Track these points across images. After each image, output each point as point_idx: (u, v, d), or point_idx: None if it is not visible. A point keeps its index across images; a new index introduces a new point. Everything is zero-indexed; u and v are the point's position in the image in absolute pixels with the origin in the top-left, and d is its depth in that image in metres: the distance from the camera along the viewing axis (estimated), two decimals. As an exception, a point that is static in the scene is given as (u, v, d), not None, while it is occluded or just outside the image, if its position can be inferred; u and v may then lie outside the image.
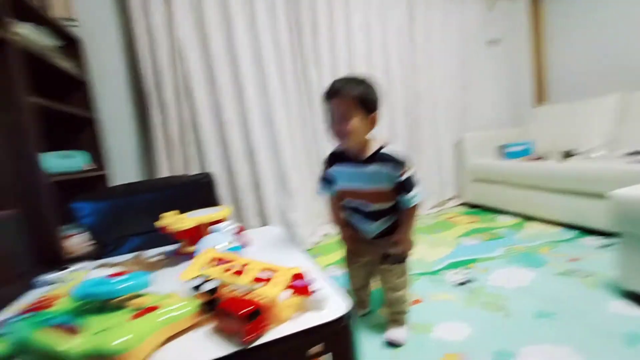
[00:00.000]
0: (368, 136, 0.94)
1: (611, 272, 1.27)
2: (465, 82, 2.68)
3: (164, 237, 0.90)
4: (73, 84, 1.61)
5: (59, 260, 1.14)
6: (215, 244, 0.70)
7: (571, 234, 1.80)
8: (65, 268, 0.83)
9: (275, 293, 0.49)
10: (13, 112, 1.00)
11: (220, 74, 1.90)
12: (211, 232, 0.80)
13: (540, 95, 2.92)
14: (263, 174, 1.99)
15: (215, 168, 1.92)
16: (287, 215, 2.03)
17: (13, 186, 1.03)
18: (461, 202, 2.71)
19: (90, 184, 1.58)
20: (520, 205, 2.17)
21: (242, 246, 0.78)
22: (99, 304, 0.53)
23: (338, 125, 0.90)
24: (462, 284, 1.36)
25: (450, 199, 2.69)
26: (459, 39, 2.62)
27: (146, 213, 1.05)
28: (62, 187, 1.31)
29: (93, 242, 1.13)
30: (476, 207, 2.57)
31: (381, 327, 1.09)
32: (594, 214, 1.71)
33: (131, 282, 0.51)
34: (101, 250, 1.10)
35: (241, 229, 0.91)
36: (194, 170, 1.91)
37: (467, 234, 1.98)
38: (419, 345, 1.01)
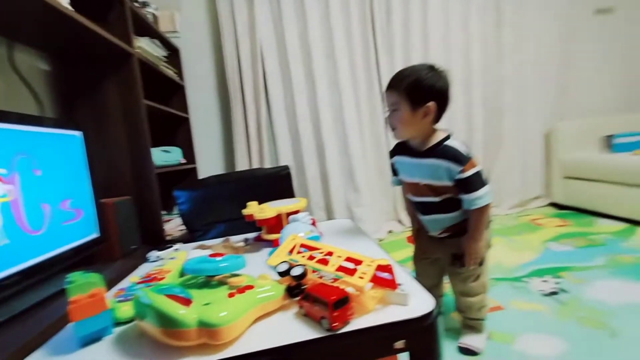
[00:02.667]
0: (429, 129, 0.89)
1: None
2: (564, 61, 2.31)
3: (245, 224, 0.99)
4: (173, 88, 1.86)
5: (161, 241, 1.33)
6: (297, 232, 0.75)
7: (702, 245, 1.46)
8: (170, 247, 0.97)
9: (363, 283, 0.50)
10: (133, 114, 1.20)
11: (294, 71, 1.99)
12: (291, 221, 0.85)
13: (662, 76, 2.40)
14: (331, 168, 2.04)
15: (286, 161, 2.03)
16: (352, 209, 2.05)
17: (129, 175, 1.24)
18: (548, 202, 2.40)
19: (183, 176, 1.81)
20: (629, 209, 1.83)
21: (320, 236, 0.81)
22: (203, 280, 0.61)
23: (390, 117, 0.90)
24: (551, 293, 1.21)
25: (535, 198, 2.40)
26: (559, 8, 2.25)
27: (232, 202, 1.17)
28: (161, 179, 1.53)
29: (186, 226, 1.29)
30: (567, 209, 2.25)
31: (454, 332, 1.03)
32: None
33: (231, 262, 0.58)
34: (192, 235, 1.26)
35: (314, 221, 0.95)
36: (268, 164, 2.04)
37: (556, 239, 1.75)
38: (499, 355, 0.93)
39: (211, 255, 0.61)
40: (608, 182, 1.93)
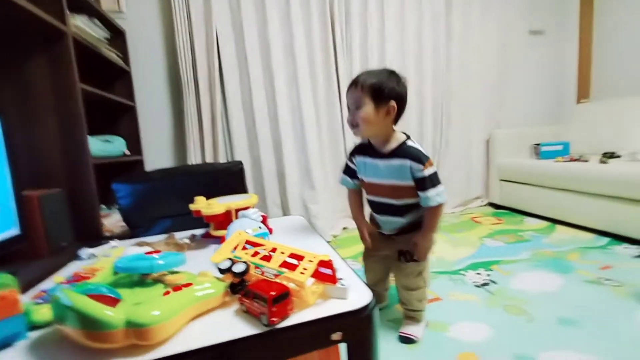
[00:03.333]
0: (390, 130, 0.93)
1: (647, 284, 1.20)
2: (502, 75, 2.56)
3: (192, 220, 0.95)
4: (117, 73, 1.71)
5: (98, 237, 1.23)
6: (244, 228, 0.74)
7: (604, 241, 1.71)
8: (105, 243, 0.91)
9: (303, 278, 0.51)
10: (67, 98, 1.09)
11: (252, 65, 1.94)
12: (240, 217, 0.83)
13: (582, 92, 2.75)
14: (288, 165, 2.03)
15: (242, 156, 1.98)
16: (308, 206, 2.07)
17: (61, 166, 1.12)
18: (487, 202, 2.64)
19: (128, 169, 1.68)
20: (551, 209, 2.08)
21: (269, 233, 0.81)
22: (137, 278, 0.58)
23: (351, 115, 0.91)
24: (483, 285, 1.34)
25: (476, 198, 2.62)
26: (500, 28, 2.48)
27: (179, 197, 1.11)
28: (102, 170, 1.41)
29: (127, 222, 1.20)
30: (502, 208, 2.49)
31: (397, 322, 1.10)
32: (630, 221, 1.62)
33: (169, 259, 0.55)
34: (133, 231, 1.18)
35: (264, 218, 0.94)
36: (222, 158, 1.97)
37: (491, 235, 1.93)
38: (434, 343, 1.01)
39: (148, 253, 0.58)
40: (535, 185, 2.17)
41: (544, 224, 2.07)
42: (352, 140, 2.15)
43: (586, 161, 1.97)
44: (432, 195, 0.90)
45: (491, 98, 2.55)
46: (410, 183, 0.92)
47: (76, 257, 0.85)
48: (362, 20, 2.14)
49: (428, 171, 0.89)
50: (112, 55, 1.57)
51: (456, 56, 2.39)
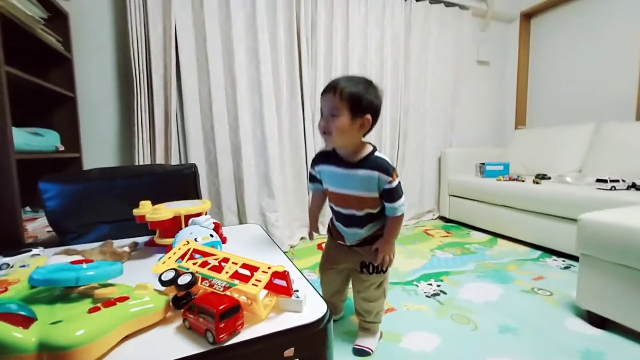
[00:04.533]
0: (359, 141, 0.91)
1: (571, 292, 1.34)
2: (453, 98, 2.76)
3: (136, 227, 0.86)
4: (54, 59, 1.53)
5: (18, 244, 1.06)
6: (195, 236, 0.68)
7: (537, 253, 1.88)
8: (26, 252, 0.78)
9: (256, 290, 0.47)
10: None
11: (213, 66, 1.86)
12: (190, 224, 0.77)
13: (519, 119, 3.07)
14: (247, 171, 1.96)
15: (197, 160, 1.88)
16: (266, 215, 2.01)
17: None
18: (438, 215, 2.79)
19: (62, 167, 1.49)
20: (493, 223, 2.25)
21: (222, 242, 0.76)
22: (60, 293, 0.50)
23: (325, 121, 0.87)
24: (433, 295, 1.39)
25: (428, 212, 2.76)
26: (453, 54, 2.70)
27: (121, 200, 1.01)
28: (29, 167, 1.23)
29: (55, 227, 1.06)
30: (452, 222, 2.65)
31: (352, 335, 1.09)
32: (557, 236, 1.81)
33: (100, 270, 0.48)
34: (63, 237, 1.03)
35: (217, 225, 0.88)
36: (175, 161, 1.85)
37: (440, 247, 2.03)
38: (387, 354, 1.01)
39: (75, 262, 0.50)
40: (479, 201, 2.35)
41: (487, 237, 2.24)
42: (314, 148, 2.16)
43: (522, 181, 2.18)
44: (398, 206, 0.91)
45: (444, 118, 2.73)
46: (375, 194, 0.92)
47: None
48: (328, 32, 2.19)
49: (394, 183, 0.89)
50: (49, 38, 1.40)
51: (414, 76, 2.54)
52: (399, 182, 0.91)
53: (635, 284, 1.01)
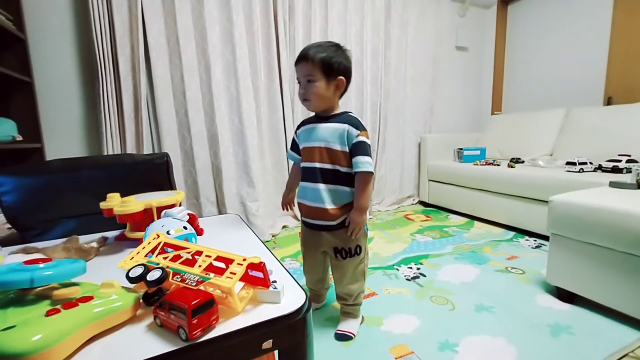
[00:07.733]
0: (336, 103, 0.97)
1: (542, 270, 1.41)
2: (432, 84, 2.78)
3: (105, 221, 0.82)
4: (5, 40, 1.39)
5: (-26, 242, 0.98)
6: (167, 229, 0.65)
7: (510, 234, 1.96)
8: (-21, 251, 0.72)
9: (230, 283, 0.45)
10: None
11: (185, 49, 1.76)
12: (163, 217, 0.73)
13: (495, 105, 3.14)
14: (225, 160, 1.90)
15: (171, 149, 1.80)
16: (246, 204, 1.97)
17: None
18: (418, 200, 2.84)
19: (21, 158, 1.39)
20: (470, 206, 2.32)
21: (197, 234, 0.73)
22: (14, 295, 0.46)
23: (303, 89, 0.93)
24: (413, 278, 1.42)
25: (408, 197, 2.80)
26: (432, 40, 2.70)
27: (87, 193, 0.95)
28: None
29: (13, 223, 0.98)
30: (431, 206, 2.71)
31: (334, 320, 1.10)
32: (529, 217, 1.89)
33: (60, 269, 0.44)
34: (24, 233, 0.96)
35: (192, 217, 0.84)
36: (148, 150, 1.77)
37: (420, 231, 2.08)
38: (369, 337, 1.03)
39: (29, 262, 0.46)
40: (457, 185, 2.41)
41: (465, 220, 2.31)
42: (293, 135, 2.12)
43: (498, 165, 2.25)
44: (363, 162, 0.92)
45: (424, 104, 2.75)
46: (344, 148, 0.93)
47: None
48: (306, 17, 2.12)
49: (362, 138, 0.93)
50: (-1, 17, 1.27)
51: (393, 62, 2.53)
52: (368, 143, 0.94)
53: (601, 260, 1.07)
